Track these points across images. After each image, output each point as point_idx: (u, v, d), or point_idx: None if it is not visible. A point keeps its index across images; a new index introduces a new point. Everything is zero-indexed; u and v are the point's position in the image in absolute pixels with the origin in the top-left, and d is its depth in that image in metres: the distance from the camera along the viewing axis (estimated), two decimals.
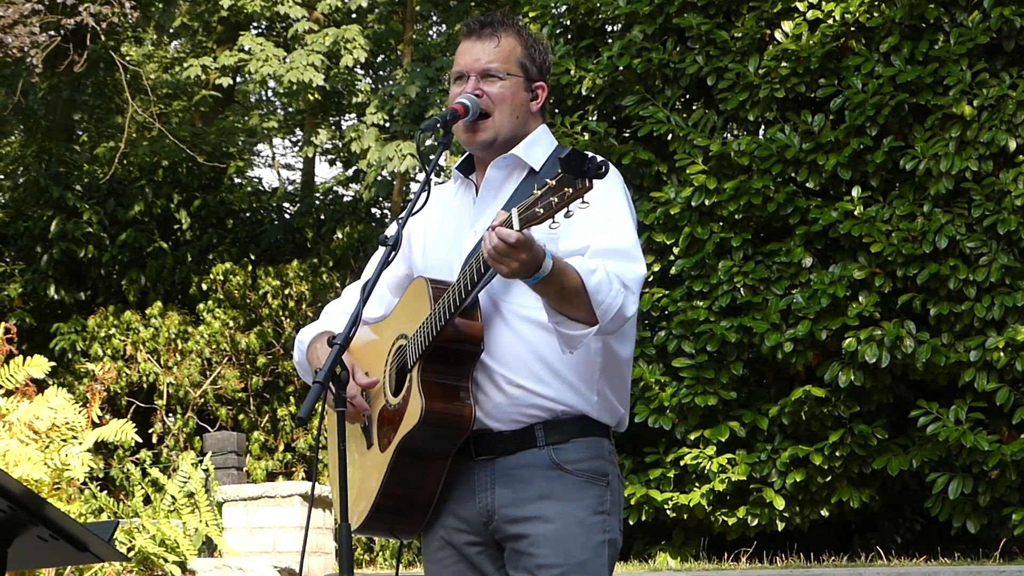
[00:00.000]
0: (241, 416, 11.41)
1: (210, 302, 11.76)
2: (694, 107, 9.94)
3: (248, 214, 12.90)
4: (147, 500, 9.17)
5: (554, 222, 2.39)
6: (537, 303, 2.76)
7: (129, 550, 8.81)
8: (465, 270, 2.80)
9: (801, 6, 9.84)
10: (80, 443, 8.43)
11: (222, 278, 11.44)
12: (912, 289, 9.04)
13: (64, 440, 8.34)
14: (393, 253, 2.85)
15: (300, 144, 16.38)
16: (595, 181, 2.36)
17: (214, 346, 11.54)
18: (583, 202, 2.37)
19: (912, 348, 8.81)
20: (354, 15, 11.55)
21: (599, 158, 2.40)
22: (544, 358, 2.90)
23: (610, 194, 2.83)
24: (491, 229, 2.51)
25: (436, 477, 2.97)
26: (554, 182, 2.40)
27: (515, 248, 2.47)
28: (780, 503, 9.10)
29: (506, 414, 2.89)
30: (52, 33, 10.11)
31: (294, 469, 11.53)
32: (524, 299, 2.84)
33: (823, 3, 9.95)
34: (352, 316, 2.76)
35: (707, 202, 9.42)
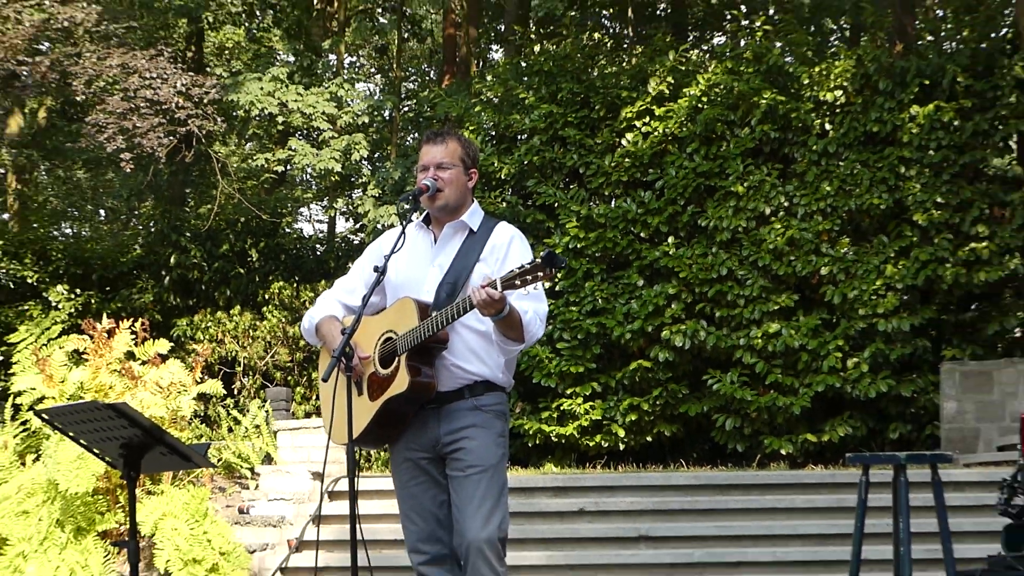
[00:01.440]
0: (289, 377, 12.07)
1: (270, 306, 12.29)
2: (571, 186, 10.64)
3: (294, 251, 13.84)
4: (230, 430, 9.87)
5: (524, 289, 2.89)
6: (475, 319, 3.22)
7: (218, 461, 9.47)
8: (454, 305, 3.16)
9: (638, 123, 10.50)
10: (188, 394, 8.99)
11: (277, 291, 12.19)
12: (704, 300, 9.85)
13: (178, 392, 8.90)
14: (381, 278, 3.30)
15: (326, 207, 17.38)
16: (543, 266, 2.86)
17: (273, 334, 12.18)
18: (533, 268, 2.90)
19: (704, 337, 9.71)
20: (360, 127, 12.56)
21: (564, 260, 2.92)
22: (474, 350, 3.34)
23: (514, 240, 3.48)
24: (483, 287, 2.95)
25: (405, 421, 3.39)
26: (530, 267, 2.88)
27: (497, 302, 2.95)
28: (621, 432, 9.92)
29: (449, 382, 3.32)
30: (172, 138, 10.74)
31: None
32: (466, 317, 3.16)
33: (651, 122, 10.46)
34: (356, 316, 3.23)
35: (579, 246, 10.16)
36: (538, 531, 8.13)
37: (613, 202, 10.55)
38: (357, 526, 3.15)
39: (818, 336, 9.58)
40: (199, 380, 9.03)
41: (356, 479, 3.26)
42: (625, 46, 16.97)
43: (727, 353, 9.73)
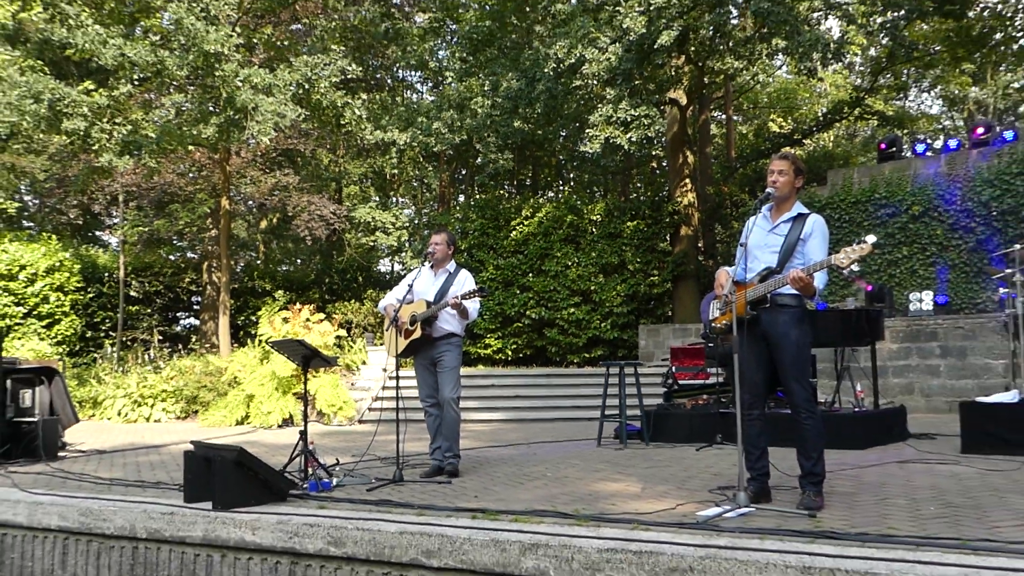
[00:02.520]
0: (374, 329, 18.23)
1: (366, 299, 19.80)
2: (490, 252, 19.37)
3: (375, 277, 22.63)
4: (348, 349, 15.76)
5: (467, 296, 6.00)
6: (448, 309, 6.24)
7: (343, 363, 16.37)
8: (440, 304, 6.18)
9: (517, 227, 18.50)
10: (330, 336, 13.64)
11: (369, 295, 20.21)
12: (544, 299, 18.75)
13: (325, 334, 13.66)
14: (410, 288, 6.48)
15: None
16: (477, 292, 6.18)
17: (367, 310, 19.41)
18: (473, 292, 6.17)
19: (544, 314, 17.80)
20: (406, 227, 21.53)
21: (487, 290, 7.59)
22: (448, 320, 6.41)
23: (468, 277, 6.51)
24: (455, 299, 6.14)
25: (419, 348, 6.35)
26: (475, 291, 6.19)
27: (460, 305, 6.23)
28: (510, 353, 17.99)
29: (437, 333, 6.43)
30: (325, 230, 20.37)
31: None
32: (445, 308, 6.07)
33: (522, 225, 18.68)
34: (399, 303, 6.35)
35: (494, 275, 19.24)
36: (474, 393, 13.57)
37: (507, 259, 19.07)
38: (398, 392, 6.43)
39: (588, 315, 18.29)
40: (336, 330, 15.27)
41: (398, 371, 6.24)
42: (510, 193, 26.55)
43: (552, 321, 18.46)
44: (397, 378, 6.43)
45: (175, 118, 16.30)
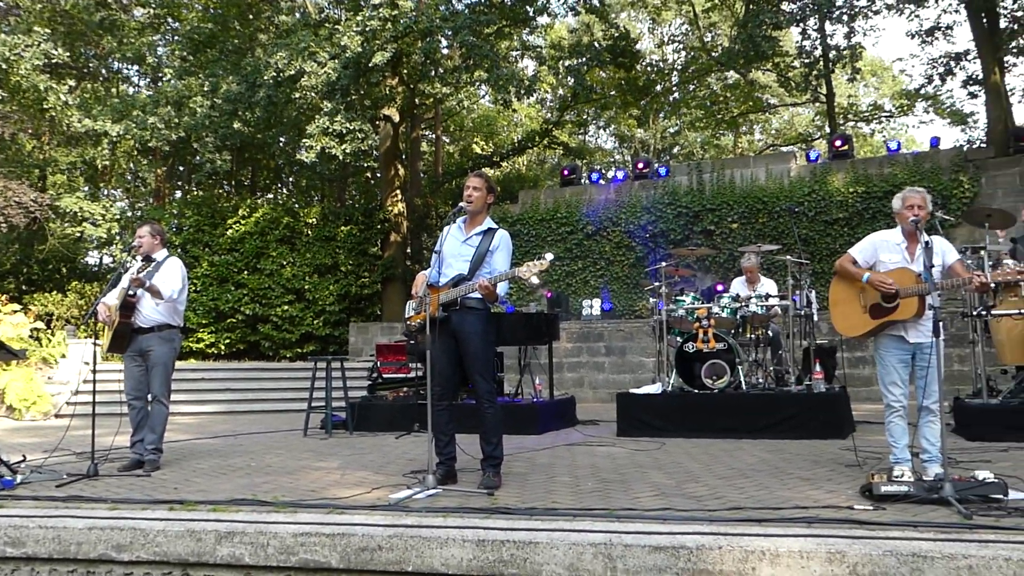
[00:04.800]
0: (80, 325, 17.50)
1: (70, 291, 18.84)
2: (213, 255, 19.05)
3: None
4: (47, 342, 16.68)
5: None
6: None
7: (37, 356, 16.22)
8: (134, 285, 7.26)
9: (233, 225, 19.10)
10: (24, 327, 16.06)
11: (73, 287, 19.25)
12: (258, 296, 18.48)
13: (18, 329, 15.75)
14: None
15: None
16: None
17: (71, 303, 19.09)
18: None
19: (258, 309, 18.15)
20: None
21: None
22: (160, 311, 6.00)
23: (174, 267, 7.49)
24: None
25: (128, 341, 5.99)
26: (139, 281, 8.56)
27: (157, 292, 6.08)
28: (223, 348, 18.06)
29: (146, 323, 6.09)
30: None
31: None
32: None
33: (239, 225, 19.38)
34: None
35: (206, 270, 18.70)
36: (184, 386, 15.22)
37: (222, 256, 18.18)
38: (95, 383, 6.30)
39: (302, 312, 17.89)
40: (32, 322, 14.40)
41: (95, 362, 6.17)
42: (228, 193, 25.26)
43: (266, 317, 17.91)
44: (95, 371, 5.90)
45: None
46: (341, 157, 15.96)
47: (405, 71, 18.32)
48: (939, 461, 4.85)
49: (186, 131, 16.92)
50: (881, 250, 5.06)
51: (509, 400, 9.29)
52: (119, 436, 7.04)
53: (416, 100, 19.94)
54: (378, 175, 22.08)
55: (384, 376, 10.59)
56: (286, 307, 17.79)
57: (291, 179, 26.73)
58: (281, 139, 21.01)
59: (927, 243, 4.70)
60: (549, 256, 5.01)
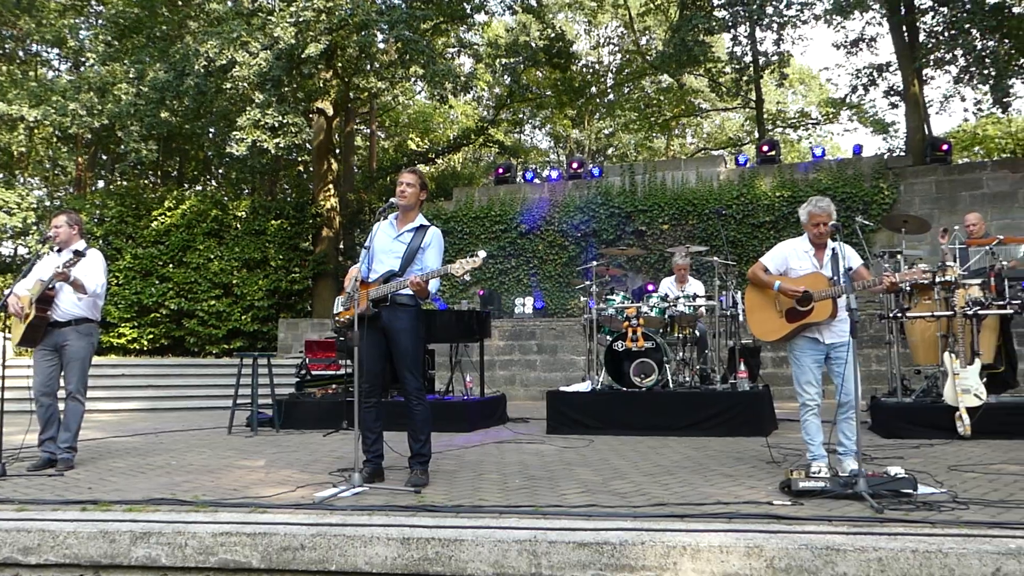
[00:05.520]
0: None
1: None
2: (135, 250, 18.42)
3: None
4: None
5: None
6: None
7: None
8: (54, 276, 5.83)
9: (159, 216, 18.57)
10: None
11: None
12: (184, 291, 17.82)
13: None
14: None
15: None
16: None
17: None
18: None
19: (183, 304, 17.48)
20: None
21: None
22: (77, 303, 5.69)
23: (94, 259, 8.97)
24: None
25: (42, 334, 5.72)
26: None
27: (80, 286, 5.60)
28: (146, 343, 17.54)
29: (63, 316, 5.82)
30: None
31: None
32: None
33: (165, 216, 18.88)
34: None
35: (129, 264, 18.16)
36: (102, 383, 13.90)
37: (146, 249, 17.70)
38: (3, 380, 7.78)
39: (229, 307, 17.56)
40: None
41: (4, 356, 6.14)
42: (154, 183, 24.52)
43: (192, 312, 17.50)
44: (3, 365, 5.64)
45: None
46: (273, 150, 15.69)
47: (340, 64, 18.09)
48: (854, 455, 5.01)
49: (110, 119, 16.40)
50: (791, 258, 5.29)
51: (439, 398, 9.26)
52: (30, 434, 6.77)
53: (351, 94, 19.71)
54: (311, 169, 21.76)
55: (313, 373, 10.43)
56: (213, 302, 17.43)
57: (220, 171, 26.11)
58: (211, 130, 20.56)
59: (834, 250, 4.93)
60: (482, 254, 5.01)
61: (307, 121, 17.58)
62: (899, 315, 7.83)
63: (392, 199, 5.42)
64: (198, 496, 4.77)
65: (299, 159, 23.01)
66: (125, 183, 21.28)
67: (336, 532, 3.83)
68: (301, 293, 18.88)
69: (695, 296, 8.86)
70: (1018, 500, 4.32)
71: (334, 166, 19.80)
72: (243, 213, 18.47)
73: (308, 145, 19.55)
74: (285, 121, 15.17)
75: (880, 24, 19.31)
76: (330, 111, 19.21)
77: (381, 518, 4.10)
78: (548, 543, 3.63)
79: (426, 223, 5.47)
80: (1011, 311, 7.34)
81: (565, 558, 3.60)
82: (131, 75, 16.49)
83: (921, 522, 3.83)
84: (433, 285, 5.14)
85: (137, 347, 17.42)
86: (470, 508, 4.35)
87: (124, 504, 4.54)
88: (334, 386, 9.98)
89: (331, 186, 19.47)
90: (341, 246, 20.37)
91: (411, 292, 5.16)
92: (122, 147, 17.05)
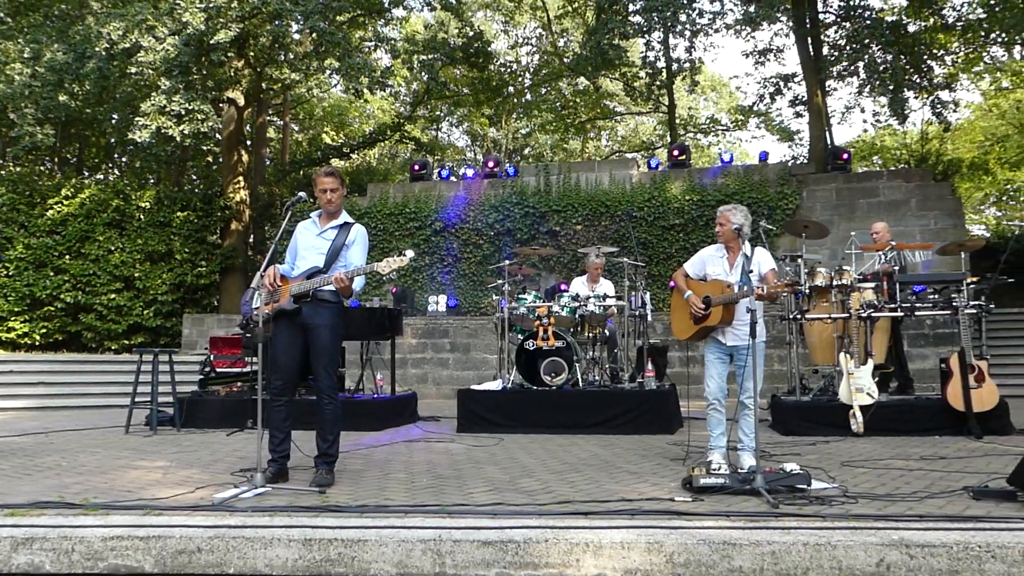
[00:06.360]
0: None
1: None
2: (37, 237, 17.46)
3: None
4: None
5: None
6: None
7: None
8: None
9: (54, 205, 17.66)
10: None
11: None
12: (81, 284, 17.26)
13: None
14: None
15: None
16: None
17: None
18: None
19: (80, 298, 16.88)
20: None
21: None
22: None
23: None
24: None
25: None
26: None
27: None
28: (37, 338, 16.96)
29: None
30: None
31: None
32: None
33: (62, 205, 18.00)
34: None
35: (21, 254, 17.22)
36: None
37: (41, 239, 16.64)
38: None
39: (131, 301, 16.77)
40: None
41: None
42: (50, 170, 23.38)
43: (90, 306, 16.62)
44: None
45: None
46: (179, 138, 15.21)
47: (252, 53, 17.66)
48: (752, 451, 5.19)
49: (1, 100, 15.57)
50: (708, 263, 5.68)
51: (348, 396, 9.13)
52: None
53: (263, 84, 19.26)
54: (220, 160, 21.18)
55: (217, 370, 10.14)
56: (113, 296, 16.71)
57: (123, 159, 25.18)
58: (113, 116, 19.77)
59: (745, 254, 5.32)
60: (409, 253, 4.96)
61: (217, 110, 17.10)
62: (799, 317, 8.13)
63: (300, 193, 5.35)
64: (88, 499, 4.56)
65: (207, 149, 22.34)
66: (18, 169, 20.22)
67: (235, 534, 3.73)
68: (208, 288, 18.29)
69: (605, 296, 8.99)
70: (903, 494, 4.53)
71: (245, 158, 19.29)
72: (147, 204, 17.76)
73: (218, 135, 19.02)
74: (191, 108, 14.68)
75: (787, 36, 20.13)
76: (241, 101, 18.71)
77: (283, 519, 4.01)
78: (453, 542, 3.62)
79: (350, 220, 5.43)
80: (901, 314, 7.71)
81: (469, 557, 3.59)
82: (26, 55, 15.70)
83: (813, 516, 3.98)
84: (357, 283, 5.07)
85: (28, 342, 16.50)
86: (375, 508, 4.29)
87: (5, 508, 4.30)
88: (239, 384, 9.72)
89: (241, 178, 18.96)
90: (251, 240, 19.94)
91: (334, 289, 5.08)
92: (15, 130, 16.24)
